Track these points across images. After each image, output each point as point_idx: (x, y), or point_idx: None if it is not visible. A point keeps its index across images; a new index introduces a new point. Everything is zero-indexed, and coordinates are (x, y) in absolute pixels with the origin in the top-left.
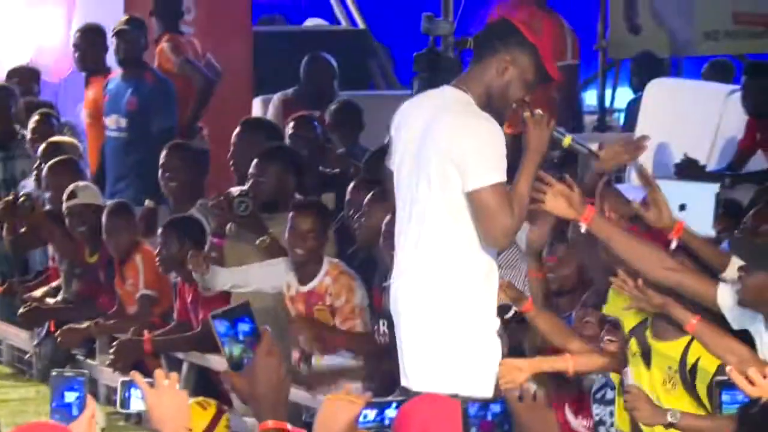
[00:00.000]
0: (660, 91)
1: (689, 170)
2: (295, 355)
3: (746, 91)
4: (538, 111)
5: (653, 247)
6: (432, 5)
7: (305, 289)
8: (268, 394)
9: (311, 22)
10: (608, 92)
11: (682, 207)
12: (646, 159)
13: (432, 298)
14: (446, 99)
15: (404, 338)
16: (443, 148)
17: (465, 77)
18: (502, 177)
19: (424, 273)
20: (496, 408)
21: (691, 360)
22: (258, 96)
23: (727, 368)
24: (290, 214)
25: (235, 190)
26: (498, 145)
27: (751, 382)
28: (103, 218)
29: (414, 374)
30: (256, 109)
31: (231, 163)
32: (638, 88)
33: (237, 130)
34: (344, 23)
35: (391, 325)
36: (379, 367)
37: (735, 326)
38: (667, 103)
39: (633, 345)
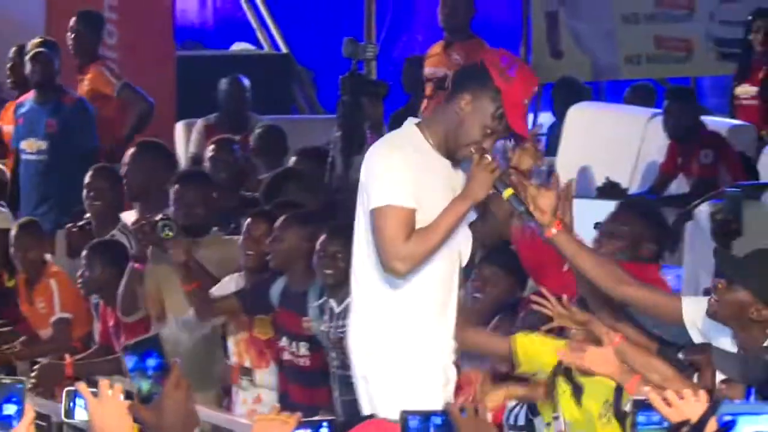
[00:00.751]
0: (582, 115)
1: (611, 193)
2: None
3: (668, 116)
4: (487, 157)
5: (614, 264)
6: (355, 29)
7: None
8: (174, 425)
9: (237, 47)
10: (530, 117)
11: (597, 225)
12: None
13: (371, 330)
14: (391, 133)
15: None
16: (362, 179)
17: (430, 115)
18: (401, 201)
19: (362, 305)
20: (437, 420)
21: (627, 395)
22: (181, 120)
23: (645, 389)
24: (248, 220)
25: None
26: (402, 172)
27: (668, 404)
28: (11, 234)
29: (365, 402)
30: (179, 133)
31: (124, 182)
32: (559, 113)
33: (131, 150)
34: (267, 47)
35: (312, 348)
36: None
37: (697, 339)
38: (589, 127)
39: (561, 383)
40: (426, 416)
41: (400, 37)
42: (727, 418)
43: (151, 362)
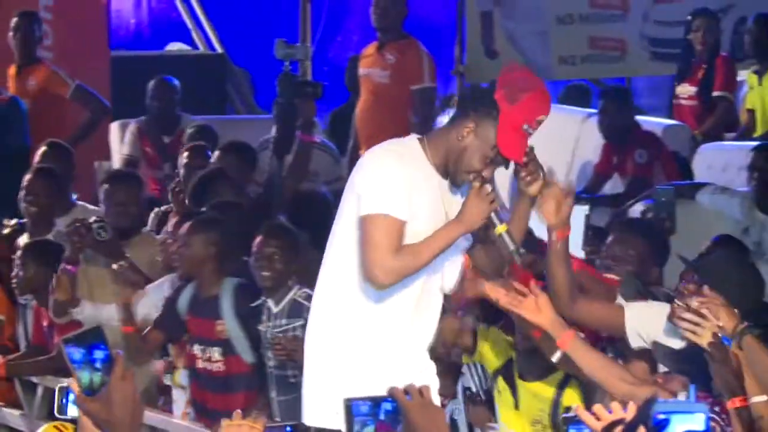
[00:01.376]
0: None
1: None
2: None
3: (602, 116)
4: (487, 187)
5: (616, 366)
6: (290, 29)
7: None
8: (124, 418)
9: (172, 47)
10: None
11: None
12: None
13: (319, 336)
14: (391, 142)
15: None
16: (355, 182)
17: (434, 131)
18: (395, 212)
19: (317, 311)
20: (387, 406)
21: (565, 403)
22: (116, 121)
23: (574, 406)
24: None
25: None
26: (399, 183)
27: (598, 418)
28: None
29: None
30: (114, 133)
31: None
32: None
33: (40, 150)
34: (202, 47)
35: (225, 353)
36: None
37: (637, 344)
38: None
39: (500, 383)
40: (376, 402)
41: (335, 38)
42: (661, 416)
43: (99, 354)
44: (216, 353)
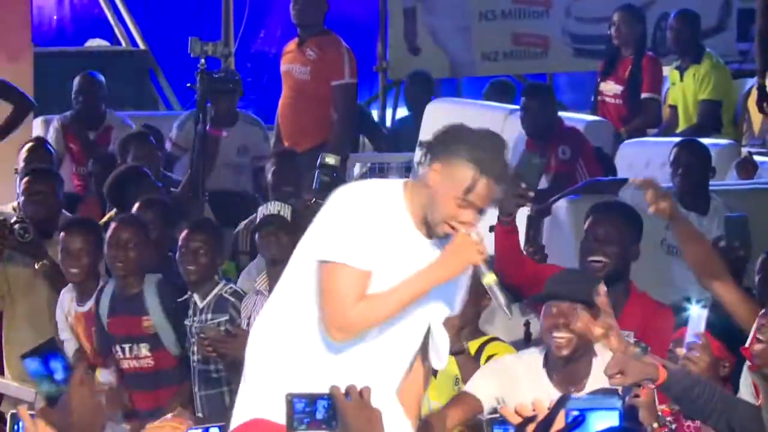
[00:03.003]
0: (440, 111)
1: None
2: None
3: (525, 112)
4: (472, 234)
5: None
6: (213, 25)
7: (83, 309)
8: (84, 421)
9: (92, 43)
10: (389, 112)
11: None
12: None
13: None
14: (373, 183)
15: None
16: (322, 215)
17: (414, 180)
18: (356, 263)
19: (279, 320)
20: (323, 403)
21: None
22: (38, 117)
23: (498, 407)
24: (61, 234)
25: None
26: (367, 230)
27: (520, 415)
28: None
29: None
30: (37, 129)
31: None
32: (412, 107)
33: None
34: (124, 44)
35: (153, 348)
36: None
37: None
38: (447, 123)
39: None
40: (312, 399)
41: (257, 33)
42: (574, 413)
43: (56, 365)
44: (144, 349)
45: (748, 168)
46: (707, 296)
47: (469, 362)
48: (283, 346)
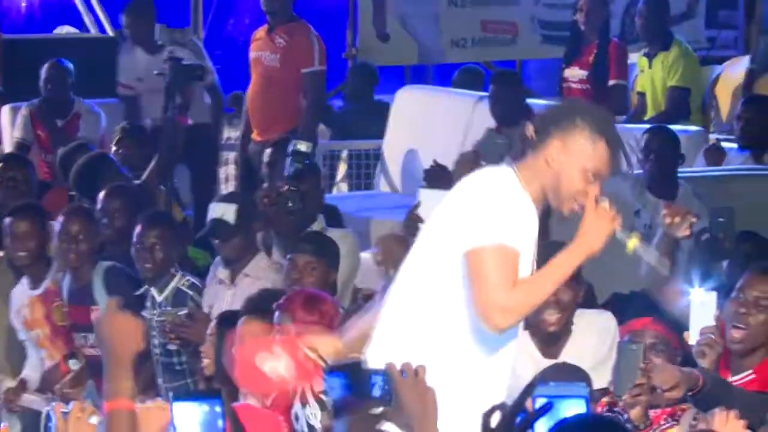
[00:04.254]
0: (409, 98)
1: (438, 176)
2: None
3: (494, 99)
4: (603, 204)
5: None
6: (181, 13)
7: (38, 292)
8: (121, 348)
9: (61, 30)
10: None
11: None
12: (394, 167)
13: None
14: (488, 171)
15: None
16: (451, 212)
17: (520, 164)
18: (510, 242)
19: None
20: (379, 380)
21: None
22: (6, 104)
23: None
24: (7, 220)
25: None
26: (510, 213)
27: None
28: None
29: None
30: (5, 117)
31: None
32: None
33: None
34: (93, 31)
35: None
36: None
37: None
38: (417, 110)
39: None
40: (368, 376)
41: (227, 21)
42: (542, 400)
43: None
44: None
45: (716, 155)
46: (716, 278)
47: None
48: (431, 351)
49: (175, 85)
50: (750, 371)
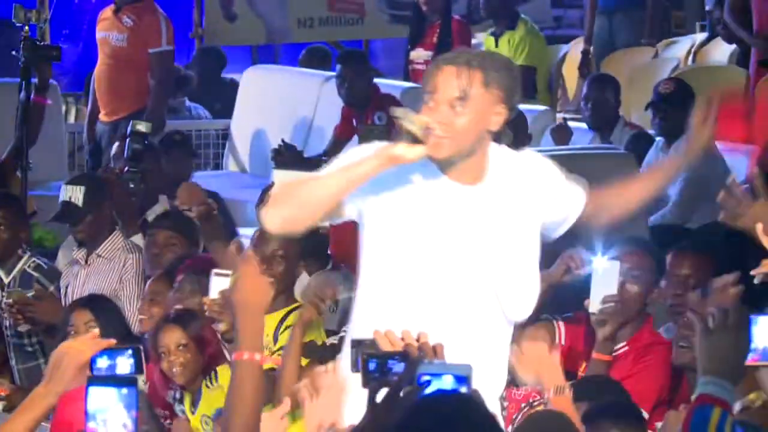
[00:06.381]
0: (257, 78)
1: (286, 156)
2: None
3: (341, 80)
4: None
5: None
6: None
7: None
8: (250, 302)
9: None
10: None
11: None
12: (242, 146)
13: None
14: None
15: None
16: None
17: None
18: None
19: None
20: (395, 362)
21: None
22: None
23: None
24: None
25: None
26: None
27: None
28: None
29: None
30: None
31: None
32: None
33: None
34: None
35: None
36: None
37: None
38: (264, 89)
39: None
40: (384, 359)
41: (72, 1)
42: (426, 378)
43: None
44: None
45: (562, 134)
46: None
47: None
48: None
49: (31, 65)
50: (623, 343)
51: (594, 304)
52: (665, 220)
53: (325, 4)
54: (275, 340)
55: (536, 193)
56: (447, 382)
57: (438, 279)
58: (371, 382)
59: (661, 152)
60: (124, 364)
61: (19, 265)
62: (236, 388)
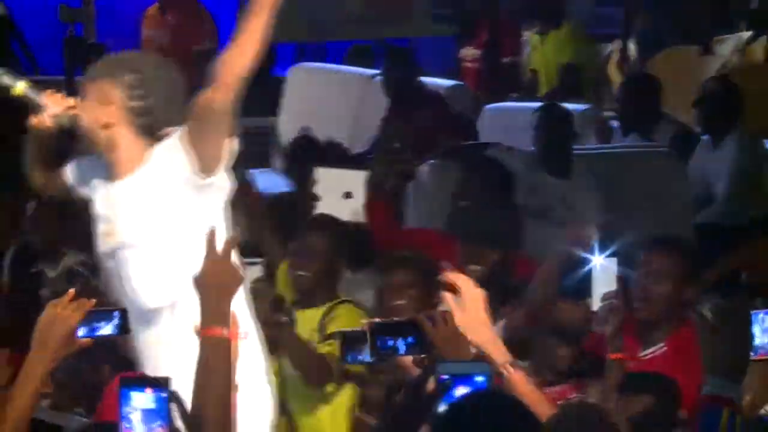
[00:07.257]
0: (302, 75)
1: (331, 154)
2: None
3: (386, 77)
4: None
5: None
6: None
7: None
8: (218, 285)
9: None
10: None
11: (348, 195)
12: (284, 142)
13: None
14: None
15: None
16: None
17: None
18: None
19: None
20: (405, 335)
21: (329, 329)
22: None
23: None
24: None
25: None
26: None
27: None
28: None
29: None
30: None
31: None
32: None
33: None
34: None
35: None
36: None
37: None
38: (310, 87)
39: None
40: (395, 332)
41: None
42: (446, 377)
43: None
44: None
45: (604, 132)
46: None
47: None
48: None
49: (77, 63)
50: (662, 343)
51: (595, 303)
52: (714, 218)
53: (369, 1)
54: (321, 329)
55: None
56: (474, 381)
57: None
58: (376, 356)
59: (708, 150)
60: (108, 327)
61: (64, 262)
62: (206, 363)
